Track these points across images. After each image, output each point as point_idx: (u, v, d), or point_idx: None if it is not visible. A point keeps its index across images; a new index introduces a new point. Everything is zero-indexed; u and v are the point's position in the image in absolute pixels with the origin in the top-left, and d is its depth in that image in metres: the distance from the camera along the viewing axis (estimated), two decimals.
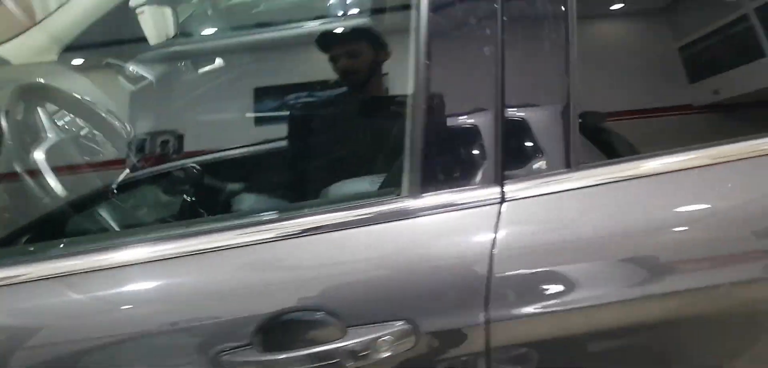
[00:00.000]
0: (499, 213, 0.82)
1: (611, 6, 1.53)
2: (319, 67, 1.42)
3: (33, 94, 1.30)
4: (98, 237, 1.20)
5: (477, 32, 0.82)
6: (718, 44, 1.37)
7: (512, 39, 0.82)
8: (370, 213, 0.82)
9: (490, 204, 0.82)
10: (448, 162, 0.83)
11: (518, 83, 0.83)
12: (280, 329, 0.79)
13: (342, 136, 1.40)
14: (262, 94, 2.08)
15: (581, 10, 0.83)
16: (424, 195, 0.83)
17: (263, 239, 0.82)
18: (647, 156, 0.84)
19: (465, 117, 0.83)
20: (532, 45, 0.83)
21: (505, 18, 0.82)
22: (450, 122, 0.83)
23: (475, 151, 0.83)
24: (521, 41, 0.83)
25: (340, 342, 0.79)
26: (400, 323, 0.80)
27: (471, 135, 0.83)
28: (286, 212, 0.85)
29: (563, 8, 0.83)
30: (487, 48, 0.81)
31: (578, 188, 0.83)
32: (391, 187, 0.88)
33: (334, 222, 0.82)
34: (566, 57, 0.83)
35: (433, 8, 0.81)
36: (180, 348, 0.79)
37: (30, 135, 1.26)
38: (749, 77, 1.31)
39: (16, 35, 1.39)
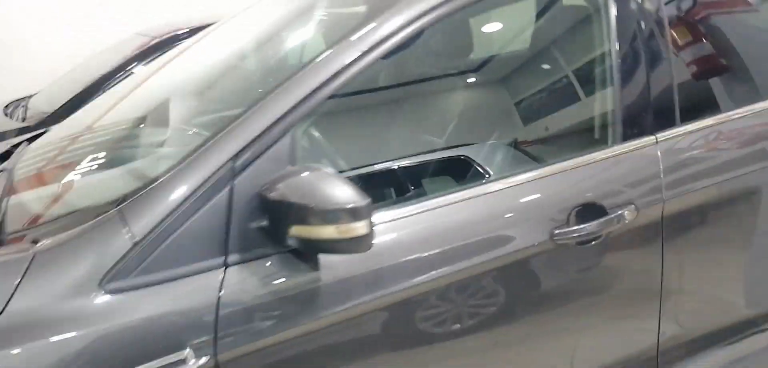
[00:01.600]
0: (657, 148, 1.69)
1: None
2: None
3: None
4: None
5: (636, 55, 1.69)
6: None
7: (649, 58, 1.70)
8: (601, 156, 1.65)
9: (653, 145, 1.69)
10: (630, 126, 1.68)
11: (655, 81, 1.70)
12: (579, 212, 1.58)
13: None
14: None
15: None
16: (623, 143, 1.67)
17: (556, 171, 1.60)
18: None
19: (635, 105, 1.69)
20: (656, 58, 1.71)
21: (644, 49, 1.70)
22: (629, 108, 1.69)
23: (642, 119, 1.69)
24: (657, 57, 1.71)
25: (605, 216, 1.59)
26: (631, 206, 1.62)
27: (639, 112, 1.69)
28: (568, 157, 1.64)
29: (665, 40, 1.72)
30: (641, 63, 1.69)
31: (683, 134, 1.72)
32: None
33: (591, 161, 1.63)
34: (670, 63, 1.72)
35: (620, 43, 1.68)
36: (534, 229, 1.55)
37: None
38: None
39: None
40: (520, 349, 1.62)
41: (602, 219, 1.59)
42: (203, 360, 1.29)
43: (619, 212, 1.61)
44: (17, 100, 4.80)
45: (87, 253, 1.28)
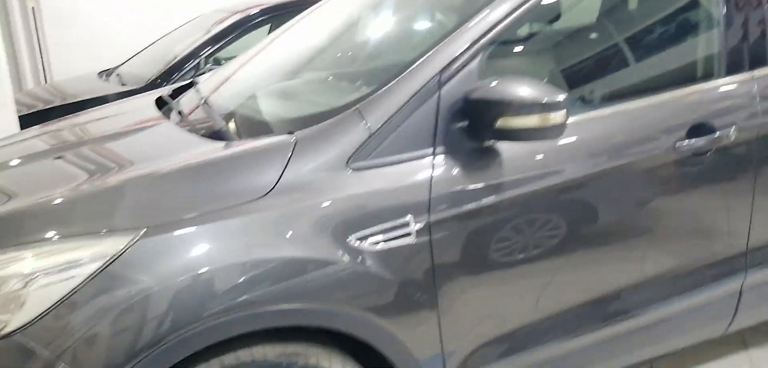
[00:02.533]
0: (754, 82, 2.06)
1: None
2: None
3: None
4: None
5: (737, 7, 2.07)
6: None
7: (748, 10, 2.07)
8: (710, 86, 2.03)
9: (750, 80, 2.06)
10: (732, 63, 2.06)
11: (752, 28, 2.08)
12: (695, 129, 1.96)
13: None
14: None
15: None
16: (727, 76, 2.06)
17: (678, 96, 1.99)
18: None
19: (736, 47, 2.07)
20: (753, 10, 2.08)
21: (743, 3, 2.08)
22: (731, 49, 2.06)
23: (741, 58, 2.06)
24: (753, 9, 2.08)
25: (716, 133, 1.97)
26: (734, 126, 2.00)
27: (739, 52, 2.06)
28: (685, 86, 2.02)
29: None
30: (741, 14, 2.07)
31: None
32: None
33: (702, 90, 2.02)
34: (764, 14, 2.09)
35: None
36: (663, 139, 1.93)
37: None
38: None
39: None
40: (639, 236, 2.00)
41: (714, 136, 1.97)
42: (420, 224, 1.68)
43: (726, 130, 1.99)
44: (107, 70, 5.29)
45: (336, 139, 1.68)
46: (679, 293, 2.10)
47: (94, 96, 4.42)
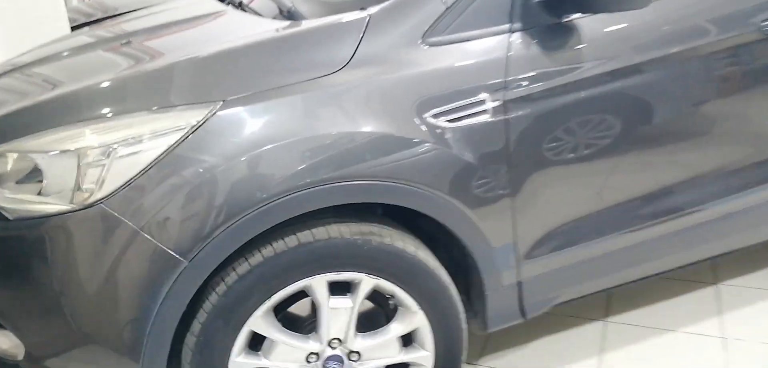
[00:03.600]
0: None
1: None
2: None
3: None
4: None
5: None
6: None
7: None
8: None
9: None
10: None
11: None
12: None
13: None
14: None
15: None
16: None
17: None
18: None
19: None
20: None
21: None
22: None
23: None
24: None
25: None
26: None
27: None
28: None
29: None
30: None
31: None
32: None
33: None
34: None
35: None
36: (750, 19, 1.83)
37: None
38: None
39: None
40: (716, 123, 1.92)
41: None
42: (496, 102, 1.63)
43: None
44: None
45: (411, 14, 1.63)
46: (742, 189, 2.01)
47: (139, 8, 4.40)
